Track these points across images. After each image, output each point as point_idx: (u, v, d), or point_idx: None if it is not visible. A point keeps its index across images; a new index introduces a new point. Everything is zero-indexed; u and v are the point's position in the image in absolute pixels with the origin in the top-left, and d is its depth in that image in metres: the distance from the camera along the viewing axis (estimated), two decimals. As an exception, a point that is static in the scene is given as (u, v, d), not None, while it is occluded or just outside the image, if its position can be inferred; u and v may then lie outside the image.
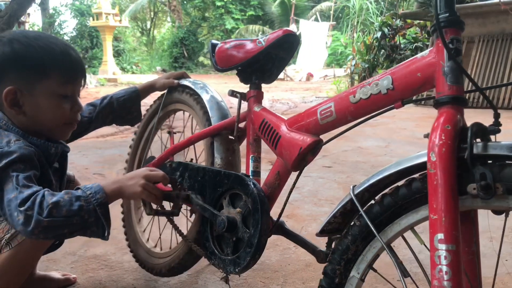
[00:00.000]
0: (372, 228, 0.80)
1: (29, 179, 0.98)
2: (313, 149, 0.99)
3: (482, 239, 0.88)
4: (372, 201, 0.84)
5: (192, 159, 1.47)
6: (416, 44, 7.95)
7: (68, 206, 0.94)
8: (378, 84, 0.84)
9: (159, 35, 27.23)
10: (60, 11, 17.48)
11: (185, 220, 1.48)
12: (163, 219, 1.54)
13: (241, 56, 1.18)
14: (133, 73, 15.69)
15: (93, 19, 13.81)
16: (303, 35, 15.13)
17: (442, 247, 0.68)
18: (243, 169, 1.24)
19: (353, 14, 16.28)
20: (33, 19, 18.64)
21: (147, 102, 1.53)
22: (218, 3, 20.17)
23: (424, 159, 0.75)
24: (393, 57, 7.95)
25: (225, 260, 1.10)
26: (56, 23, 17.15)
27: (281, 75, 10.31)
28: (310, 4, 19.81)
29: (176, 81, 1.48)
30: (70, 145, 1.27)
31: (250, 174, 1.17)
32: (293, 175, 1.07)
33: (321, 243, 1.65)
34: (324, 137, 1.00)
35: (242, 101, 1.23)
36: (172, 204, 1.23)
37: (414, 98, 0.83)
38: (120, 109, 1.44)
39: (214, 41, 1.28)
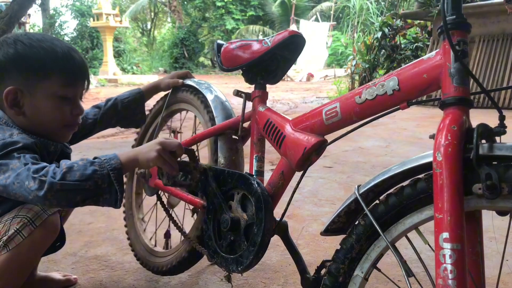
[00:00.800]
0: (377, 227, 0.80)
1: (36, 159, 0.98)
2: (318, 149, 0.99)
3: (483, 239, 0.88)
4: (377, 201, 0.85)
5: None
6: (416, 44, 7.95)
7: (82, 170, 0.94)
8: (384, 85, 0.84)
9: (159, 36, 27.25)
10: (61, 12, 17.50)
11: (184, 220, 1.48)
12: (162, 219, 1.55)
13: (247, 57, 1.18)
14: (133, 73, 15.70)
15: (94, 20, 13.83)
16: (304, 35, 15.11)
17: (447, 246, 0.69)
18: (246, 169, 1.24)
19: (354, 14, 16.29)
20: (33, 20, 18.68)
21: (149, 104, 1.53)
22: (219, 4, 20.19)
23: (429, 159, 0.75)
24: (393, 57, 7.96)
25: (227, 258, 1.10)
26: (56, 24, 17.17)
27: (281, 76, 10.29)
28: (311, 4, 19.82)
29: (180, 80, 1.49)
30: (71, 146, 1.27)
31: (253, 174, 1.17)
32: (297, 175, 1.07)
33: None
34: (328, 137, 1.00)
35: (247, 101, 1.23)
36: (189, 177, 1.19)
37: (419, 99, 0.84)
38: (124, 110, 1.44)
39: (219, 41, 1.29)
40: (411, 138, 4.13)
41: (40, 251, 1.09)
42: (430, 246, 0.80)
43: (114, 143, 4.00)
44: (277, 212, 1.09)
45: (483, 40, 6.64)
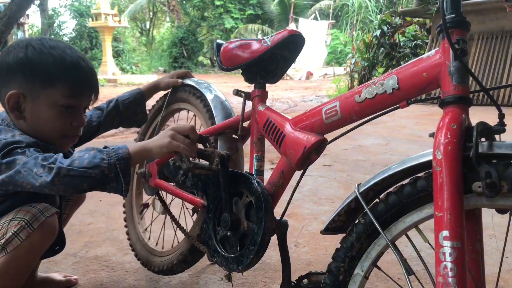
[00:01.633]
0: (377, 226, 0.81)
1: (40, 153, 0.99)
2: (318, 148, 0.99)
3: (483, 237, 0.88)
4: (377, 200, 0.85)
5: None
6: (415, 42, 7.94)
7: (91, 158, 0.95)
8: (384, 84, 0.85)
9: (158, 35, 27.22)
10: (59, 12, 17.49)
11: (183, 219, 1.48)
12: (160, 218, 1.55)
13: (247, 56, 1.18)
14: (132, 73, 15.69)
15: (92, 20, 13.81)
16: (303, 33, 15.11)
17: (447, 244, 0.69)
18: (246, 168, 1.24)
19: (352, 12, 16.28)
20: (32, 21, 18.66)
21: (148, 103, 1.53)
22: (217, 3, 20.16)
23: (428, 158, 0.75)
24: (392, 55, 7.94)
25: (228, 258, 1.10)
26: (55, 24, 17.16)
27: (280, 74, 10.28)
28: (309, 3, 19.81)
29: (180, 80, 1.49)
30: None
31: (253, 173, 1.17)
32: (297, 174, 1.07)
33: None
34: (328, 136, 1.00)
35: (246, 100, 1.23)
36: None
37: (419, 98, 0.84)
38: (126, 111, 1.44)
39: (219, 41, 1.29)
40: (410, 136, 4.13)
41: (39, 254, 1.09)
42: (430, 244, 0.80)
43: (114, 143, 4.00)
44: (277, 211, 1.09)
45: (482, 37, 6.64)
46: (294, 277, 1.50)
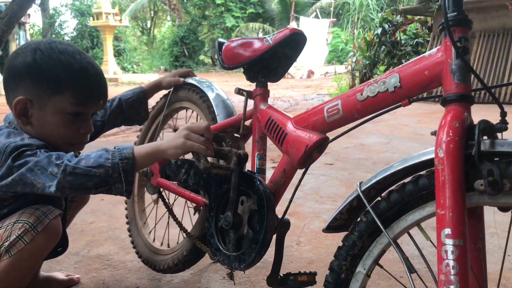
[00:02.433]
0: (379, 224, 0.81)
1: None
2: (319, 146, 1.00)
3: (486, 235, 0.89)
4: (379, 198, 0.85)
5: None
6: (417, 40, 7.94)
7: (96, 157, 0.95)
8: (386, 82, 0.85)
9: (159, 34, 27.22)
10: (60, 12, 17.49)
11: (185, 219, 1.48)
12: (162, 217, 1.55)
13: (248, 55, 1.18)
14: (134, 72, 15.69)
15: (93, 19, 13.82)
16: (304, 32, 15.09)
17: (449, 242, 0.69)
18: (248, 167, 1.24)
19: (354, 11, 16.26)
20: (33, 20, 18.67)
21: (150, 102, 1.53)
22: (218, 1, 20.15)
23: (430, 156, 0.75)
24: (394, 53, 7.94)
25: (230, 256, 1.10)
26: (56, 24, 17.16)
27: (282, 73, 10.27)
28: (310, 1, 19.79)
29: (182, 79, 1.49)
30: None
31: (255, 172, 1.17)
32: (298, 172, 1.07)
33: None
34: (330, 135, 1.00)
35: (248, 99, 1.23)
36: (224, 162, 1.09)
37: (420, 96, 0.84)
38: (129, 110, 1.44)
39: (221, 40, 1.29)
40: (412, 134, 4.13)
41: (42, 256, 1.09)
42: (432, 242, 0.80)
43: (115, 142, 4.01)
44: (279, 210, 1.09)
45: (484, 35, 6.63)
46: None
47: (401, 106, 0.84)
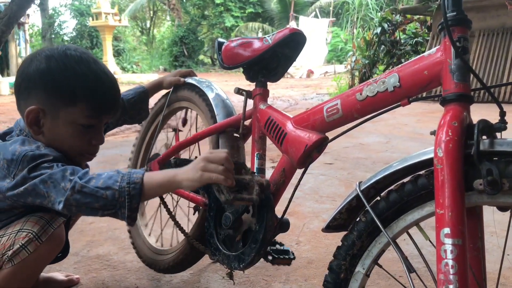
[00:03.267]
0: (378, 224, 0.81)
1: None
2: (319, 146, 1.00)
3: (485, 234, 0.89)
4: (378, 198, 0.85)
5: (196, 157, 1.47)
6: (416, 39, 7.94)
7: (106, 178, 0.93)
8: (385, 82, 0.85)
9: (159, 34, 27.20)
10: (60, 12, 17.46)
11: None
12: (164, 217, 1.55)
13: (248, 54, 1.18)
14: (133, 72, 15.68)
15: (93, 19, 13.82)
16: (303, 32, 15.09)
17: (448, 241, 0.69)
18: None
19: (353, 10, 16.26)
20: (32, 20, 18.65)
21: (150, 102, 1.53)
22: (218, 1, 20.13)
23: (429, 156, 0.75)
24: (393, 52, 7.94)
25: (229, 256, 1.10)
26: (55, 24, 17.15)
27: (281, 73, 10.27)
28: (310, 1, 19.79)
29: (182, 79, 1.49)
30: None
31: (255, 171, 1.17)
32: (298, 172, 1.07)
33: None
34: (330, 134, 1.00)
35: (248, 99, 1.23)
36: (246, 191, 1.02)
37: (420, 96, 0.84)
38: (131, 109, 1.44)
39: (220, 40, 1.29)
40: (411, 133, 4.13)
41: (44, 265, 1.09)
42: (431, 242, 0.80)
43: (115, 142, 4.01)
44: (279, 210, 1.09)
45: (483, 34, 6.63)
46: (296, 276, 1.51)
47: (401, 105, 0.84)
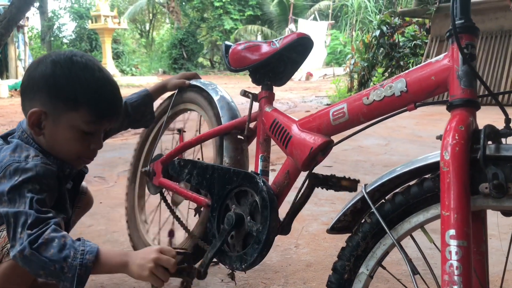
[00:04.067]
0: (384, 225, 0.81)
1: (42, 202, 0.98)
2: (324, 149, 1.01)
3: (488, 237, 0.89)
4: (383, 200, 0.86)
5: (199, 159, 1.48)
6: (415, 42, 7.97)
7: (57, 250, 0.92)
8: (392, 87, 0.86)
9: (158, 37, 27.20)
10: (59, 14, 17.51)
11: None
12: (165, 218, 1.55)
13: (255, 58, 1.19)
14: (132, 75, 15.68)
15: (92, 22, 13.83)
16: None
17: (454, 242, 0.70)
18: (251, 169, 1.24)
19: (352, 13, 16.31)
20: (32, 23, 18.64)
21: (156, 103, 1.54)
22: (217, 4, 20.17)
23: (435, 159, 0.76)
24: (392, 55, 7.96)
25: (231, 256, 1.10)
26: (55, 27, 17.17)
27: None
28: (309, 4, 19.84)
29: (187, 81, 1.50)
30: None
31: (259, 173, 1.18)
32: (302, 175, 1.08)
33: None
34: (335, 138, 1.01)
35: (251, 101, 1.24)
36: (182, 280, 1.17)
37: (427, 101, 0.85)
38: (135, 113, 1.45)
39: (227, 43, 1.30)
40: (410, 136, 4.15)
41: None
42: (435, 244, 0.81)
43: (114, 145, 4.00)
44: (280, 213, 1.09)
45: (482, 37, 6.65)
46: (295, 279, 1.51)
47: (407, 110, 0.86)
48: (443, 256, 0.71)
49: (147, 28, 27.48)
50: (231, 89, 1.37)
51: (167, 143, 1.66)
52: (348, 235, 0.90)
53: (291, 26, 16.35)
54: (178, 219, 1.44)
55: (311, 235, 1.90)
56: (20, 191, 0.97)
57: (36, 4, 16.00)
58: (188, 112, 1.58)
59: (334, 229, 0.92)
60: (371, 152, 3.51)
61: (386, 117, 0.89)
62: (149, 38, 26.89)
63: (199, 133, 1.42)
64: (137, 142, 1.70)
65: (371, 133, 4.25)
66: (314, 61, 15.20)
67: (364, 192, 0.86)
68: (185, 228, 1.39)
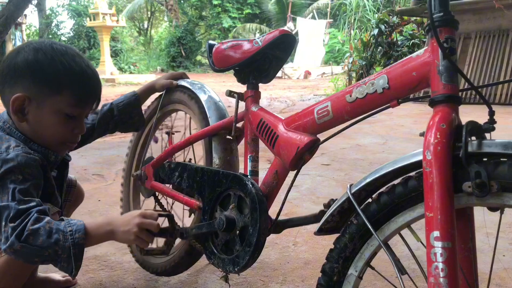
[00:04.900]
0: (369, 226, 0.81)
1: (25, 192, 0.99)
2: (310, 148, 1.00)
3: (478, 235, 0.89)
4: (369, 200, 0.85)
5: (190, 159, 1.48)
6: (413, 40, 7.95)
7: (46, 237, 0.95)
8: (374, 84, 0.84)
9: (156, 35, 27.17)
10: (57, 12, 17.44)
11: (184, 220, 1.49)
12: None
13: (238, 57, 1.18)
14: (131, 73, 15.65)
15: (90, 20, 13.78)
16: (301, 33, 15.12)
17: (438, 244, 0.69)
18: (241, 169, 1.24)
19: (350, 12, 16.26)
20: (30, 20, 18.62)
21: (145, 104, 1.54)
22: (215, 2, 20.14)
23: (419, 157, 0.75)
24: (390, 54, 7.95)
25: (224, 259, 1.10)
26: (53, 24, 17.12)
27: (279, 73, 10.37)
28: (307, 2, 19.79)
29: (174, 82, 1.49)
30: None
31: (248, 174, 1.17)
32: (291, 174, 1.08)
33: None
34: (322, 136, 1.01)
35: (239, 101, 1.23)
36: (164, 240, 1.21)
37: (410, 97, 0.84)
38: (121, 114, 1.44)
39: (211, 42, 1.29)
40: (408, 134, 4.14)
41: None
42: (422, 243, 0.80)
43: (112, 143, 4.01)
44: (274, 211, 1.09)
45: (479, 36, 6.65)
46: (293, 277, 1.51)
47: (390, 107, 0.84)
48: (429, 258, 0.70)
49: (146, 26, 27.45)
50: (230, 88, 1.36)
51: (164, 144, 1.65)
52: (336, 235, 0.90)
53: (290, 24, 16.31)
54: (171, 221, 1.44)
55: (310, 233, 1.90)
56: (2, 182, 0.99)
57: (34, 2, 15.96)
58: (175, 112, 1.57)
59: (322, 230, 0.91)
60: (369, 150, 3.51)
61: (369, 114, 0.88)
62: (147, 36, 26.85)
63: (189, 133, 1.41)
64: (128, 146, 1.69)
65: (369, 132, 4.25)
66: (312, 60, 15.19)
67: (349, 192, 0.85)
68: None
